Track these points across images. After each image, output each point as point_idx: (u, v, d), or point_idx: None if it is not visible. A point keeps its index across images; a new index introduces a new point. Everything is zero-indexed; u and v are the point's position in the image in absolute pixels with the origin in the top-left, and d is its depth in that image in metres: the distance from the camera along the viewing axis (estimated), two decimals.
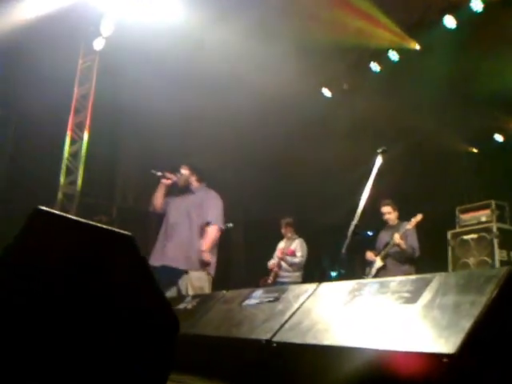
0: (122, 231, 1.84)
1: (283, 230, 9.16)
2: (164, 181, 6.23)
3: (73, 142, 9.55)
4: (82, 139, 9.56)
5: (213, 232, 5.99)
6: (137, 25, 8.39)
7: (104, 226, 1.85)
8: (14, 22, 7.93)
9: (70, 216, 1.80)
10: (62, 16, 7.97)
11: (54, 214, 1.77)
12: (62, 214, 1.80)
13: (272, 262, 9.06)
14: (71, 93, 9.52)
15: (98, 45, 9.32)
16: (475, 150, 11.42)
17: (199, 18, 8.07)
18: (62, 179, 9.29)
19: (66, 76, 9.31)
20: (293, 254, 8.91)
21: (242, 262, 12.50)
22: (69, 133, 9.47)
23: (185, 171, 6.29)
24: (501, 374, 1.92)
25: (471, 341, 1.87)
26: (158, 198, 6.28)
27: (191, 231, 6.03)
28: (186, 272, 5.91)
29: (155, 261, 6.00)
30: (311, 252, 9.30)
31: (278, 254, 9.05)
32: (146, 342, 1.79)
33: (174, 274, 5.93)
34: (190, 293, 5.68)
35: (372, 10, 8.42)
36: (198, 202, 6.12)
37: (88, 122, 9.57)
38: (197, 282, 5.88)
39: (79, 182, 9.35)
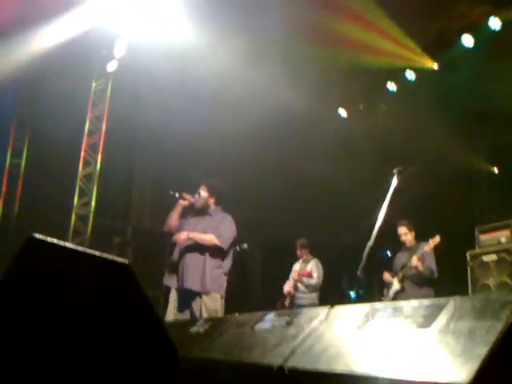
0: (118, 259, 1.80)
1: (298, 252, 9.12)
2: (181, 202, 6.21)
3: (86, 163, 9.63)
4: (95, 161, 9.63)
5: (212, 239, 5.94)
6: (148, 46, 8.48)
7: (100, 254, 1.81)
8: (31, 51, 8.06)
9: (65, 244, 1.76)
10: (76, 40, 8.07)
11: (47, 241, 1.73)
12: (56, 241, 1.76)
13: (287, 287, 9.01)
14: (86, 115, 9.62)
15: (111, 67, 9.42)
16: (495, 169, 11.28)
17: (211, 37, 8.12)
18: (75, 200, 9.37)
19: (80, 98, 9.41)
20: (309, 275, 8.86)
21: (259, 282, 12.43)
22: (82, 154, 9.56)
23: (204, 193, 6.25)
24: None
25: (487, 369, 1.78)
26: (174, 219, 6.25)
27: (206, 253, 5.99)
28: (200, 294, 5.88)
29: (169, 282, 6.05)
30: (330, 273, 9.23)
31: (293, 275, 9.02)
32: (144, 369, 1.74)
33: (188, 296, 5.92)
34: (204, 315, 5.66)
35: (389, 29, 8.40)
36: (215, 225, 6.08)
37: (102, 143, 9.66)
38: (211, 304, 5.85)
39: (93, 203, 9.42)
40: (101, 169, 9.61)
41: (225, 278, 6.07)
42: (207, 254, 5.97)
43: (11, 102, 9.87)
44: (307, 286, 8.84)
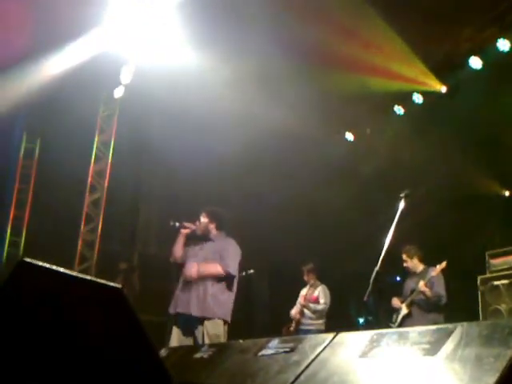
0: (110, 283, 1.76)
1: (305, 277, 9.06)
2: (183, 231, 6.24)
3: (93, 189, 9.66)
4: (102, 186, 9.66)
5: (217, 269, 5.93)
6: (154, 71, 8.53)
7: (91, 278, 1.78)
8: (39, 80, 8.14)
9: (55, 267, 1.73)
10: (84, 67, 8.15)
11: (37, 265, 1.70)
12: (46, 265, 1.72)
13: (294, 311, 8.92)
14: (93, 141, 9.69)
15: (118, 93, 9.49)
16: (507, 193, 11.16)
17: (214, 60, 8.17)
18: (82, 226, 9.39)
19: (88, 125, 9.49)
20: (316, 300, 8.78)
21: (266, 307, 12.34)
22: (89, 180, 9.60)
23: (204, 219, 6.26)
24: None
25: None
26: (178, 250, 6.28)
27: (209, 279, 5.97)
28: (202, 320, 5.85)
29: (173, 309, 6.05)
30: (338, 298, 9.15)
31: (300, 300, 8.93)
32: None
33: (191, 322, 5.90)
34: (206, 341, 5.64)
35: (397, 52, 8.38)
36: (217, 250, 6.08)
37: (108, 169, 9.70)
38: (212, 329, 5.82)
39: (99, 228, 9.44)
40: (107, 194, 9.64)
41: (230, 303, 6.03)
42: (211, 280, 5.95)
43: (20, 129, 9.96)
44: (314, 312, 8.75)
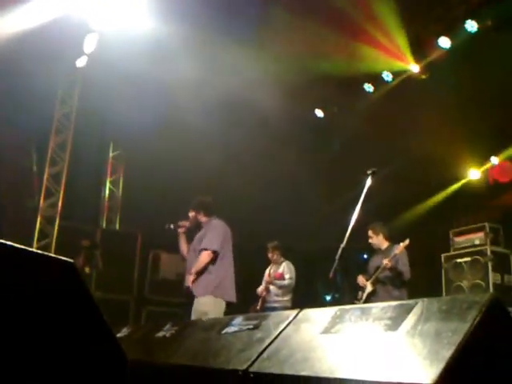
0: (61, 258, 1.70)
1: (270, 255, 9.05)
2: (180, 230, 6.54)
3: (54, 162, 9.39)
4: (63, 160, 9.41)
5: (203, 257, 6.09)
6: (118, 41, 8.33)
7: (41, 252, 1.72)
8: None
9: (3, 242, 1.66)
10: (44, 35, 7.87)
11: None
12: None
13: (261, 289, 8.93)
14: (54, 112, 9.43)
15: (81, 62, 9.23)
16: (475, 174, 11.26)
17: (181, 31, 8.01)
18: (41, 201, 9.13)
19: (49, 94, 9.21)
20: (281, 277, 8.78)
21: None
22: (49, 153, 9.33)
23: (191, 214, 6.51)
24: None
25: (451, 370, 1.78)
26: (183, 247, 6.59)
27: (196, 258, 6.19)
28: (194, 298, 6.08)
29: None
30: (305, 277, 9.15)
31: (266, 278, 8.92)
32: (88, 375, 1.64)
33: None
34: (193, 317, 5.87)
35: (367, 30, 8.35)
36: (201, 237, 6.29)
37: (70, 141, 9.44)
38: (200, 306, 5.97)
39: (60, 204, 9.20)
40: (69, 168, 9.40)
41: (218, 280, 6.12)
42: (196, 260, 6.16)
43: None
44: (280, 288, 8.74)
